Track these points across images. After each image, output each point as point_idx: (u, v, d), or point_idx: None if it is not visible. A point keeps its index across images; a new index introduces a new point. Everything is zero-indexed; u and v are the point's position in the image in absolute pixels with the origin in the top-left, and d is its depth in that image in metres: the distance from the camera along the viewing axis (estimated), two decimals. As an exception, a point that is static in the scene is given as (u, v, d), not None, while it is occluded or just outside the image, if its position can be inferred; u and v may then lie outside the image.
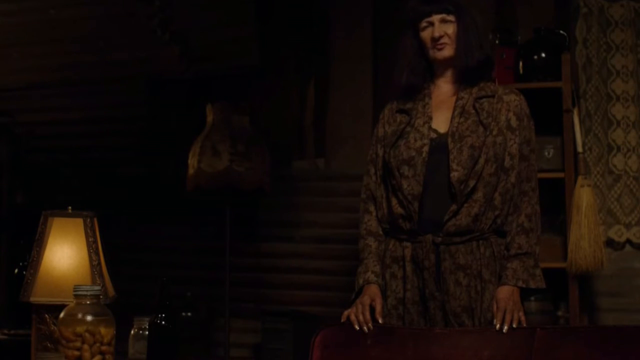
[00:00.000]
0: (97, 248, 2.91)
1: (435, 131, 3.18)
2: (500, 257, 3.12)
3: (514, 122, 3.18)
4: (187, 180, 4.63)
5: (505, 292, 3.03)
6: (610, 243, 4.46)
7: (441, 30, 3.19)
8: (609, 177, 4.49)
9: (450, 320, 3.07)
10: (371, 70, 4.97)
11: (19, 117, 5.68)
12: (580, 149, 4.28)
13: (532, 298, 4.26)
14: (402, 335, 2.88)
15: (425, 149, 3.15)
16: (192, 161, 4.59)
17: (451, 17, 3.20)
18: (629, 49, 4.51)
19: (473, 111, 3.18)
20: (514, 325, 2.89)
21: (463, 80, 3.23)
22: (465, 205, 3.09)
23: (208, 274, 5.07)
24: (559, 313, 4.33)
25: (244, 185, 4.56)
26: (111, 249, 3.11)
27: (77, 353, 2.47)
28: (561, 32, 4.44)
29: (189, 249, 5.22)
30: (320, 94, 5.11)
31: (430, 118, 3.20)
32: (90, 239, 2.89)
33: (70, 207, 2.99)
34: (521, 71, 4.37)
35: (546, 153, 4.30)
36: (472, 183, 3.10)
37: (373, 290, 3.14)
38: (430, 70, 3.29)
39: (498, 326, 2.90)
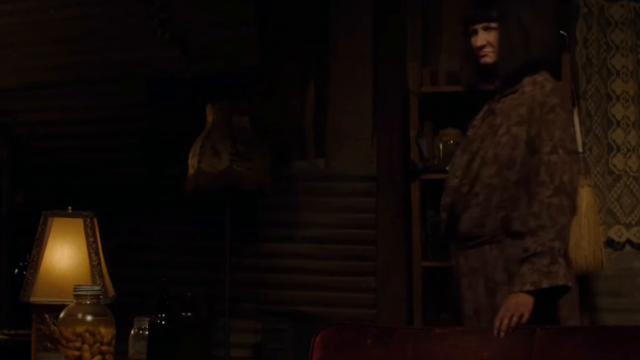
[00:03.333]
0: (97, 248, 2.91)
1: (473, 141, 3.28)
2: (516, 259, 3.07)
3: (525, 115, 3.15)
4: (187, 180, 4.63)
5: (508, 299, 2.99)
6: (610, 243, 4.46)
7: (483, 39, 3.23)
8: (609, 177, 4.49)
9: (462, 323, 3.13)
10: (371, 70, 4.97)
11: (19, 117, 5.68)
12: (580, 149, 4.28)
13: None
14: (402, 335, 2.88)
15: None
16: (192, 161, 4.59)
17: (494, 25, 3.22)
18: (629, 49, 4.51)
19: (495, 113, 3.23)
20: (503, 332, 2.85)
21: (506, 84, 3.24)
22: (469, 210, 3.13)
23: (208, 274, 5.07)
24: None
25: (244, 185, 4.56)
26: (111, 249, 3.11)
27: (77, 353, 2.47)
28: (561, 32, 4.44)
29: (189, 249, 5.22)
30: (320, 93, 5.10)
31: (476, 127, 3.30)
32: (90, 239, 2.89)
33: (70, 207, 2.99)
34: (521, 71, 4.37)
35: (546, 153, 4.30)
36: (465, 188, 3.15)
37: None
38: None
39: (495, 332, 2.87)
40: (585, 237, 4.14)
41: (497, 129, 3.17)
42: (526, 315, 2.93)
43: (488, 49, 3.23)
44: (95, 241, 2.91)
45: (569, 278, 3.03)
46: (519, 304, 2.95)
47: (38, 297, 2.84)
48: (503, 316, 2.90)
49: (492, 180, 3.12)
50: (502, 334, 2.84)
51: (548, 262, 2.98)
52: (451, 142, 4.48)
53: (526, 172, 3.10)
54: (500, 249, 3.12)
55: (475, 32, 3.25)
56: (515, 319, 2.89)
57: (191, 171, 4.59)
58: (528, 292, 2.97)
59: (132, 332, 2.95)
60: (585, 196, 4.17)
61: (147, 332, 2.91)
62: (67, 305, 2.53)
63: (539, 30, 3.28)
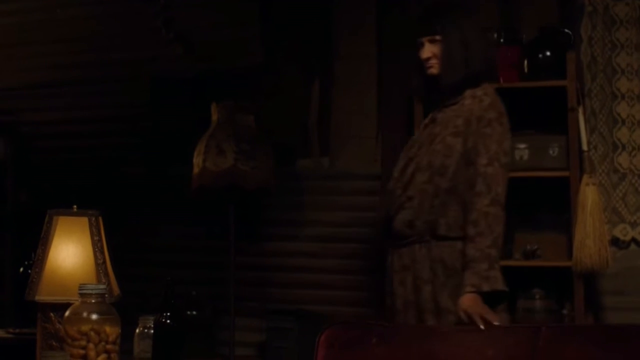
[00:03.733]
0: (102, 247, 2.91)
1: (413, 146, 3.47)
2: (440, 259, 3.27)
3: (461, 127, 3.31)
4: (191, 179, 4.63)
5: (461, 301, 3.14)
6: (615, 242, 4.45)
7: (429, 52, 3.41)
8: (614, 175, 4.48)
9: (395, 318, 3.34)
10: (375, 69, 4.97)
11: (23, 117, 5.69)
12: (585, 148, 4.27)
13: (537, 297, 4.27)
14: (407, 333, 2.89)
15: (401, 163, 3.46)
16: (197, 160, 4.59)
17: (439, 37, 3.38)
18: (634, 47, 4.50)
19: (436, 122, 3.40)
20: (482, 325, 2.96)
21: (447, 95, 3.40)
22: (402, 211, 3.32)
23: (213, 273, 5.07)
24: (564, 311, 4.33)
25: (249, 184, 4.56)
26: (116, 249, 3.11)
27: (82, 352, 2.47)
28: (566, 30, 4.44)
29: (194, 248, 5.22)
30: (325, 93, 5.10)
31: (419, 133, 3.52)
32: (95, 238, 2.89)
33: (75, 206, 2.99)
34: (526, 70, 4.37)
35: (551, 152, 4.30)
36: (399, 191, 3.35)
37: None
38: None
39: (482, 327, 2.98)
40: (590, 236, 4.13)
41: (434, 138, 3.34)
42: (485, 315, 3.04)
43: (433, 61, 3.40)
44: (100, 240, 2.91)
45: (504, 284, 3.17)
46: (475, 304, 3.09)
47: (43, 295, 2.84)
48: (471, 314, 3.04)
49: (425, 186, 3.30)
50: (482, 326, 2.94)
51: (486, 267, 3.14)
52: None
53: (457, 181, 3.27)
54: (428, 249, 3.30)
55: (422, 44, 3.43)
56: (476, 318, 3.01)
57: (196, 170, 4.60)
58: (473, 294, 3.12)
59: (137, 330, 2.95)
60: (590, 195, 4.17)
61: (152, 331, 2.90)
62: (72, 303, 2.53)
63: (481, 44, 3.43)
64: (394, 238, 3.39)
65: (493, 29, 4.48)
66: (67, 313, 2.51)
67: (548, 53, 4.36)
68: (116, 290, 2.97)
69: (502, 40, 4.45)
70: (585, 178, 4.20)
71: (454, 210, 3.26)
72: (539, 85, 4.29)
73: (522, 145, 4.34)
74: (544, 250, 4.45)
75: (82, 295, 2.50)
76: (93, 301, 2.49)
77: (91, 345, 2.46)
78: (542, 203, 4.55)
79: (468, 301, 3.11)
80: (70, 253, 2.89)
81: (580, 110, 4.29)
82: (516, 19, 4.69)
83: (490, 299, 3.15)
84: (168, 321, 2.88)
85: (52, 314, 2.81)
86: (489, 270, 3.13)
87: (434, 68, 3.41)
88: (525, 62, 4.37)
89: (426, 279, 3.29)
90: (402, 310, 3.36)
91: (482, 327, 2.92)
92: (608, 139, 4.49)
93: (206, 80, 5.22)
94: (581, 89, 4.39)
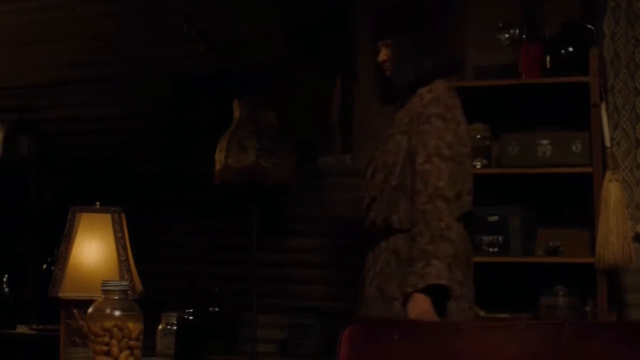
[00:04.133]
0: (125, 243, 2.91)
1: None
2: (394, 249, 3.39)
3: (406, 125, 3.42)
4: (213, 176, 4.64)
5: (408, 306, 3.27)
6: (638, 238, 4.43)
7: (384, 55, 3.54)
8: (637, 171, 4.46)
9: (361, 311, 3.52)
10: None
11: (45, 114, 5.71)
12: (608, 144, 4.26)
13: (560, 293, 4.25)
14: (429, 330, 2.88)
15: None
16: (219, 156, 4.59)
17: (390, 42, 3.50)
18: (657, 43, 4.48)
19: (392, 123, 3.51)
20: None
21: (401, 95, 3.50)
22: (370, 213, 3.48)
23: (235, 270, 5.07)
24: (587, 308, 4.32)
25: (271, 181, 4.56)
26: (137, 246, 3.11)
27: (105, 348, 2.47)
28: (589, 26, 4.42)
29: (215, 245, 5.23)
30: (347, 89, 5.10)
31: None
32: (118, 235, 2.90)
33: (98, 203, 3.00)
34: (548, 65, 4.36)
35: (574, 148, 4.28)
36: (365, 193, 3.52)
37: None
38: None
39: None
40: (613, 232, 4.12)
41: (388, 138, 3.46)
42: (429, 316, 3.21)
43: (387, 64, 3.52)
44: (123, 237, 2.91)
45: (443, 277, 3.22)
46: (415, 307, 3.23)
47: (66, 292, 2.85)
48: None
49: (383, 186, 3.43)
50: None
51: (423, 265, 3.23)
52: (478, 136, 4.46)
53: (404, 178, 3.37)
54: (387, 242, 3.43)
55: (379, 47, 3.54)
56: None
57: (218, 166, 4.60)
58: (415, 295, 3.24)
59: (160, 327, 2.95)
60: (613, 191, 4.15)
61: (175, 328, 2.91)
62: (95, 300, 2.54)
63: (435, 48, 3.51)
64: (367, 237, 3.54)
65: (515, 24, 4.47)
66: (90, 309, 2.52)
67: (571, 49, 4.35)
68: (139, 286, 2.97)
69: (524, 36, 4.44)
70: (608, 174, 4.19)
71: (403, 206, 3.36)
72: (562, 81, 4.27)
73: (545, 142, 4.33)
74: (567, 246, 4.43)
75: (105, 291, 2.50)
76: (116, 298, 2.49)
77: (114, 342, 2.47)
78: (565, 199, 4.53)
79: (412, 307, 3.24)
80: (93, 250, 2.89)
81: (603, 106, 4.28)
82: (539, 15, 4.67)
83: (445, 293, 3.26)
84: (191, 318, 2.89)
85: (75, 311, 2.82)
86: (425, 267, 3.21)
87: (389, 70, 3.53)
88: (548, 58, 4.36)
89: (379, 270, 3.43)
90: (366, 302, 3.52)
91: None
92: (631, 135, 4.47)
93: (226, 77, 5.23)
94: (604, 85, 4.37)
